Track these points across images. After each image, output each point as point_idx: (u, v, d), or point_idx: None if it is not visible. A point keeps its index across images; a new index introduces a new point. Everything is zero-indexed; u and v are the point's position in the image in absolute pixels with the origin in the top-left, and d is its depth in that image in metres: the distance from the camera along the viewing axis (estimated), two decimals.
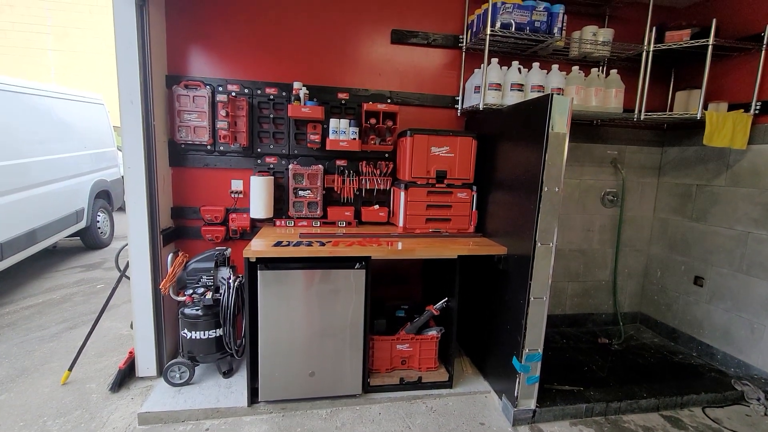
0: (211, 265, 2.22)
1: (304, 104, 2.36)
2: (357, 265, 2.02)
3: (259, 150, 2.50)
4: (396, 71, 2.64)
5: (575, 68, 2.49)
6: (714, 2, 2.70)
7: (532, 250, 1.88)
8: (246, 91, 2.44)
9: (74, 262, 4.71)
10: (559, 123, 1.80)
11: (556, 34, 2.37)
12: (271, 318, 1.99)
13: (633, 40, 2.65)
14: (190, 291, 2.19)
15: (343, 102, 2.55)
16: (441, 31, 2.63)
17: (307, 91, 2.40)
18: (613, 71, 2.56)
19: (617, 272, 3.19)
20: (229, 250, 2.33)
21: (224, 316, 2.17)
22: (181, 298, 2.20)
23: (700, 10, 2.79)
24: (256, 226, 2.54)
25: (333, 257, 1.99)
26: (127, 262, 2.21)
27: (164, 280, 2.17)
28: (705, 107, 2.54)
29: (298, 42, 2.49)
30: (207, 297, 2.15)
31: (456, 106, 2.71)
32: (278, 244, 2.01)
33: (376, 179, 2.61)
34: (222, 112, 2.32)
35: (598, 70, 2.72)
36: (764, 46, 2.37)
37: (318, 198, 2.51)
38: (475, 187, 2.42)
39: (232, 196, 2.51)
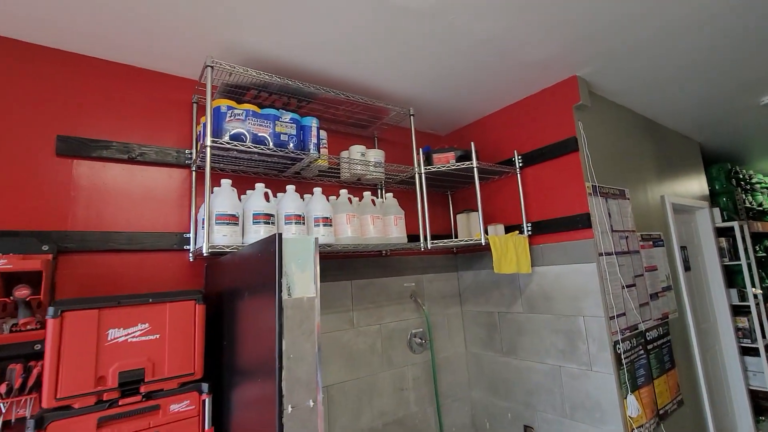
0: None
1: None
2: None
3: None
4: (73, 198, 1.60)
5: (343, 192, 1.96)
6: (468, 131, 2.78)
7: None
8: None
9: None
10: (302, 280, 1.04)
11: (312, 151, 1.82)
12: None
13: (408, 163, 2.40)
14: None
15: None
16: (155, 143, 1.80)
17: None
18: (389, 195, 2.16)
19: None
20: None
21: None
22: None
23: (458, 137, 2.84)
24: None
25: None
26: None
27: None
28: (486, 230, 2.34)
29: None
30: None
31: (187, 247, 1.78)
32: None
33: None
34: None
35: (378, 195, 2.32)
36: (517, 169, 2.37)
37: None
38: (206, 386, 1.39)
39: None
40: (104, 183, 1.68)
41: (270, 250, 1.03)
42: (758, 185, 4.47)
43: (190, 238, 1.79)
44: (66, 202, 1.59)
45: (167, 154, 1.81)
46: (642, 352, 2.15)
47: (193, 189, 1.83)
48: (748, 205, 4.05)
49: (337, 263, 2.22)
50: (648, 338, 2.22)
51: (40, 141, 1.57)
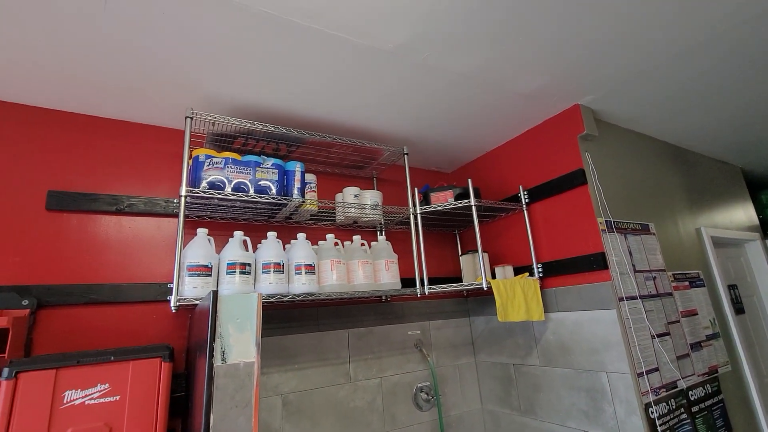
0: None
1: None
2: None
3: None
4: (59, 251, 1.62)
5: (330, 236, 1.88)
6: (473, 167, 2.66)
7: None
8: None
9: None
10: (240, 343, 0.94)
11: (295, 196, 1.78)
12: None
13: (407, 203, 2.31)
14: None
15: None
16: (145, 194, 1.83)
17: None
18: (382, 238, 2.05)
19: None
20: None
21: None
22: None
23: (464, 174, 2.72)
24: None
25: None
26: None
27: None
28: (493, 272, 2.16)
29: None
30: None
31: (170, 297, 1.75)
32: None
33: None
34: None
35: (377, 237, 2.22)
36: (524, 205, 2.21)
37: None
38: None
39: None
40: (91, 235, 1.70)
41: (205, 309, 0.95)
42: None
43: (172, 287, 1.75)
44: (52, 256, 1.61)
45: (155, 204, 1.82)
46: (685, 416, 1.81)
47: (180, 239, 1.82)
48: None
49: (332, 310, 2.11)
50: (692, 398, 1.89)
51: (31, 197, 1.63)
